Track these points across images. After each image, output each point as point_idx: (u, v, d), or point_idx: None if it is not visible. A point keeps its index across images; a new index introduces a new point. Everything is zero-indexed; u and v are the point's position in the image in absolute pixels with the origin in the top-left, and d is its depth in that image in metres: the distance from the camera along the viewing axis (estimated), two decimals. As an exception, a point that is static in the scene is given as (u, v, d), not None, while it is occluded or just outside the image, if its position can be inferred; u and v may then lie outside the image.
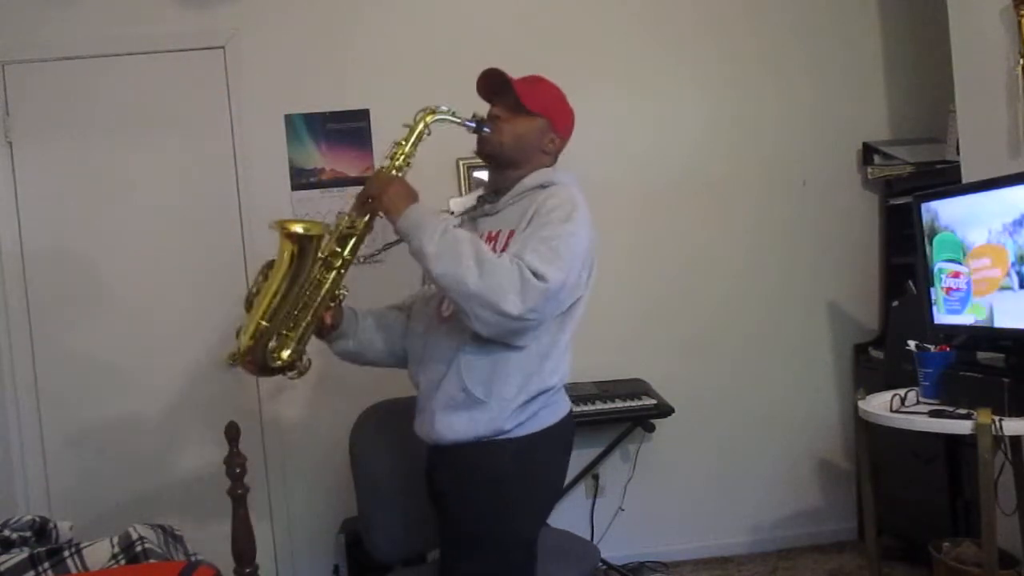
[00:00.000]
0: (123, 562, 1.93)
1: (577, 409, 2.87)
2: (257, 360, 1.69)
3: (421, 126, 1.76)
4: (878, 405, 2.30)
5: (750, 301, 3.38)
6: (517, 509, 1.69)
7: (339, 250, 1.70)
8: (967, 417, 2.01)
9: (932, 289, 2.45)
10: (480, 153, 1.84)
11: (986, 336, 2.28)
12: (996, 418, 1.94)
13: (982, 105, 2.63)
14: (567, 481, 3.21)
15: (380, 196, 1.65)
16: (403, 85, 3.22)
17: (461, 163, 3.21)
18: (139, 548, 1.95)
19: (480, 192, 1.95)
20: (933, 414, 2.11)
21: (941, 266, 2.39)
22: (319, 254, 1.68)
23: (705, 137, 3.37)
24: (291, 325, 1.70)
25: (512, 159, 1.81)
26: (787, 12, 3.39)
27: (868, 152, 3.37)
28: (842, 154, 3.43)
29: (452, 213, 1.89)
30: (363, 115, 3.18)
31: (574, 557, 2.28)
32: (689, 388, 3.27)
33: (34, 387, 3.07)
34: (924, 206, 2.45)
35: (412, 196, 1.66)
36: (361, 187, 1.73)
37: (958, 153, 2.80)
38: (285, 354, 1.71)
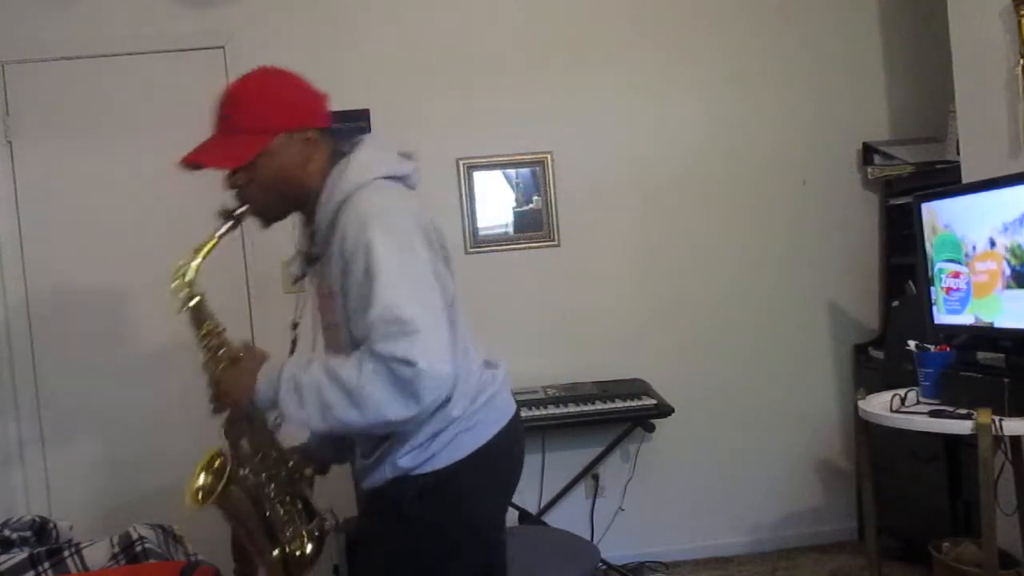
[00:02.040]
0: (123, 562, 1.93)
1: (577, 409, 2.91)
2: (296, 573, 1.59)
3: (198, 299, 1.60)
4: (878, 405, 2.30)
5: (750, 301, 3.38)
6: (442, 547, 1.48)
7: (254, 447, 1.56)
8: (967, 417, 2.01)
9: (932, 289, 2.45)
10: (266, 225, 1.58)
11: (986, 336, 2.28)
12: (996, 418, 1.94)
13: (982, 105, 2.63)
14: (568, 481, 3.24)
15: (224, 401, 1.49)
16: (403, 85, 3.22)
17: (461, 163, 3.21)
18: (139, 548, 1.96)
19: (300, 245, 1.64)
20: (933, 414, 2.10)
21: (941, 266, 2.39)
22: (244, 471, 1.55)
23: (705, 137, 3.37)
24: (288, 520, 1.59)
25: (287, 204, 1.54)
26: (787, 12, 3.39)
27: (868, 152, 3.37)
28: (842, 154, 3.43)
29: (293, 273, 1.65)
30: (363, 115, 3.18)
31: (574, 557, 2.28)
32: (689, 388, 3.27)
33: (34, 387, 3.07)
34: (924, 206, 2.45)
35: (247, 377, 1.44)
36: None
37: (958, 153, 2.80)
38: (309, 548, 1.60)
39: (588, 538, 3.18)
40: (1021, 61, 2.43)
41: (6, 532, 1.99)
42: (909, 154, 3.27)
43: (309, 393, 1.36)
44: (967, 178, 2.67)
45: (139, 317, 3.09)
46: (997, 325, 2.20)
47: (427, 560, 1.48)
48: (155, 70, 3.12)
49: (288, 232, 1.67)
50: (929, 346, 2.33)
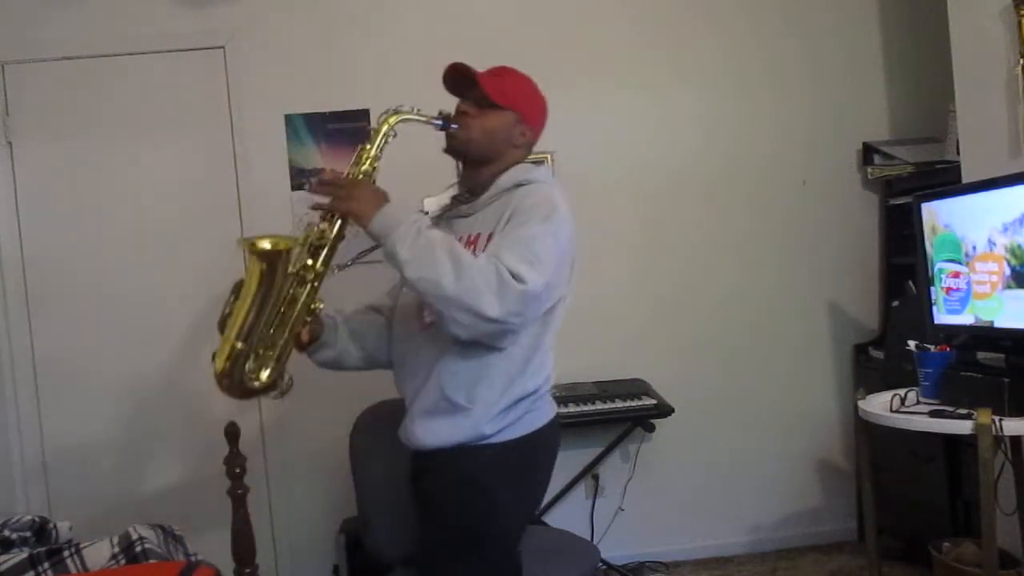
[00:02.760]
0: (123, 562, 1.93)
1: (577, 409, 2.90)
2: (235, 383, 1.62)
3: (385, 127, 1.69)
4: (878, 405, 2.30)
5: (750, 301, 3.38)
6: (497, 514, 1.66)
7: (311, 263, 1.62)
8: (967, 417, 2.01)
9: (932, 289, 2.45)
10: (450, 151, 1.79)
11: (986, 336, 2.28)
12: (996, 418, 1.94)
13: (982, 105, 2.63)
14: (568, 481, 3.24)
15: (348, 201, 1.58)
16: (403, 85, 3.20)
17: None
18: (139, 548, 1.96)
19: (454, 191, 1.89)
20: (933, 414, 2.11)
21: (941, 266, 2.40)
22: (290, 269, 1.61)
23: (705, 137, 3.37)
24: (268, 344, 1.62)
25: (482, 155, 1.76)
26: (787, 12, 3.39)
27: (868, 152, 3.37)
28: (842, 154, 3.42)
29: (426, 213, 1.83)
30: (363, 115, 3.18)
31: (574, 557, 2.27)
32: (689, 388, 3.27)
33: (34, 387, 3.07)
34: (924, 206, 2.45)
35: (381, 197, 1.59)
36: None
37: (958, 153, 2.80)
38: (264, 375, 1.63)
39: (588, 538, 3.18)
40: (1021, 61, 2.43)
41: (6, 532, 2.00)
42: (909, 154, 3.27)
43: (426, 241, 1.50)
44: (967, 178, 2.67)
45: (139, 317, 3.09)
46: (997, 325, 2.20)
47: (489, 522, 1.65)
48: (155, 70, 3.12)
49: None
50: (929, 346, 2.34)
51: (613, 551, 3.19)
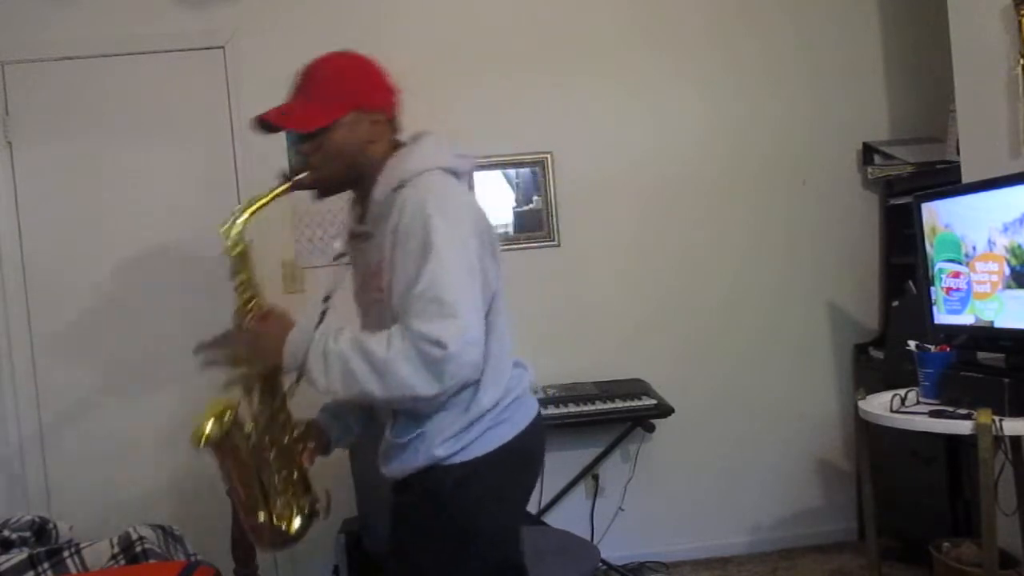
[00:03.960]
0: (123, 562, 1.93)
1: (577, 409, 2.91)
2: (278, 539, 1.58)
3: (241, 247, 1.59)
4: (878, 405, 2.30)
5: (750, 301, 3.38)
6: (471, 539, 1.52)
7: (262, 406, 1.55)
8: (967, 417, 2.01)
9: (932, 289, 2.45)
10: (320, 198, 1.62)
11: (986, 336, 2.28)
12: (996, 418, 1.94)
13: (982, 105, 2.63)
14: (568, 481, 3.24)
15: (252, 364, 1.50)
16: (403, 85, 3.21)
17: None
18: (139, 548, 1.96)
19: (349, 227, 1.70)
20: (933, 414, 2.11)
21: (941, 266, 2.40)
22: (247, 428, 1.55)
23: (705, 137, 3.37)
24: (284, 493, 1.58)
25: (347, 178, 1.58)
26: (787, 12, 3.39)
27: (868, 152, 3.37)
28: (842, 154, 3.42)
29: (342, 255, 1.69)
30: (363, 115, 3.18)
31: (574, 557, 2.28)
32: (689, 388, 3.27)
33: (34, 387, 3.07)
34: (924, 206, 2.45)
35: (279, 334, 1.46)
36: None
37: (958, 153, 2.80)
38: (297, 523, 1.59)
39: (588, 538, 3.18)
40: (1021, 61, 2.43)
41: (6, 532, 2.00)
42: (909, 154, 3.27)
43: (335, 361, 1.39)
44: (967, 178, 2.67)
45: (139, 317, 3.09)
46: (997, 325, 2.20)
47: (463, 547, 1.52)
48: (155, 70, 3.12)
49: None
50: (929, 346, 2.34)
51: (613, 551, 3.19)
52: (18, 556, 1.87)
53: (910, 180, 3.17)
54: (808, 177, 3.41)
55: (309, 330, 1.46)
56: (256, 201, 1.57)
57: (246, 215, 1.57)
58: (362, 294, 1.63)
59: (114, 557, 1.94)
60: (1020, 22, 2.42)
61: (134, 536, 1.99)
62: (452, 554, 1.52)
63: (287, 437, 1.61)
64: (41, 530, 2.06)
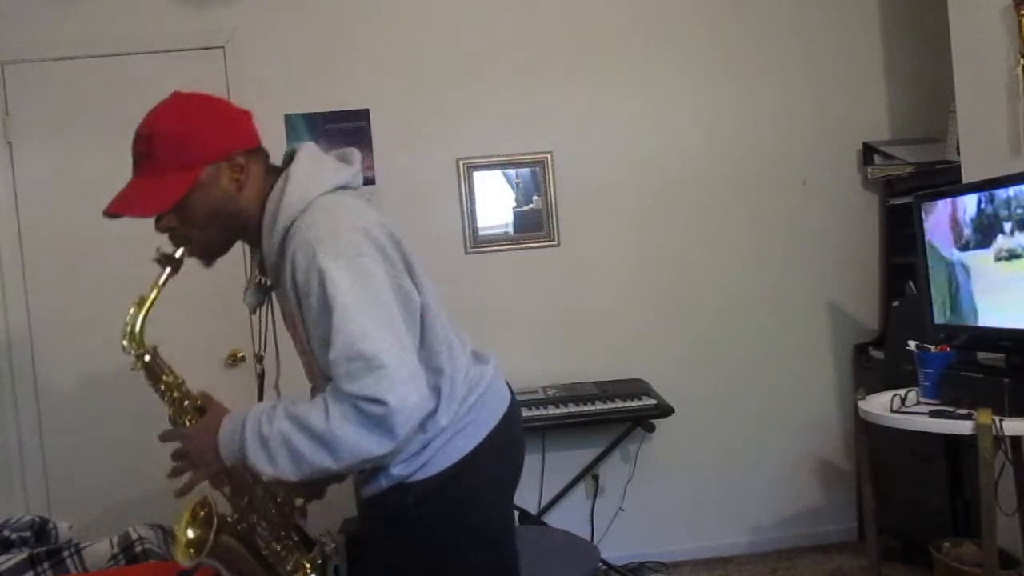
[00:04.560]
0: (123, 562, 1.93)
1: (577, 409, 2.91)
2: None
3: (149, 355, 1.60)
4: (878, 405, 2.30)
5: (750, 301, 3.38)
6: (439, 553, 1.46)
7: (238, 492, 1.54)
8: (967, 417, 2.01)
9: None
10: (208, 265, 1.54)
11: (986, 336, 2.28)
12: (996, 418, 1.94)
13: (982, 105, 2.63)
14: (568, 481, 3.24)
15: (198, 469, 1.46)
16: (403, 85, 3.22)
17: (461, 163, 3.21)
18: (139, 548, 1.95)
19: (256, 274, 1.61)
20: (933, 414, 2.11)
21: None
22: (232, 517, 1.54)
23: (705, 137, 3.37)
24: (289, 562, 1.58)
25: (231, 235, 1.47)
26: (787, 12, 3.39)
27: (868, 152, 3.37)
28: (842, 154, 3.42)
29: (252, 307, 1.64)
30: (363, 115, 3.18)
31: (574, 557, 2.28)
32: (689, 388, 3.27)
33: (34, 387, 3.07)
34: (924, 206, 2.45)
35: (206, 442, 1.42)
36: None
37: (958, 153, 2.80)
38: (308, 567, 1.60)
39: (588, 538, 3.18)
40: (1021, 61, 2.43)
41: (6, 532, 1.99)
42: (909, 154, 3.27)
43: (278, 445, 1.30)
44: (967, 178, 2.67)
45: (139, 317, 3.09)
46: (997, 325, 2.20)
47: (432, 564, 1.46)
48: (155, 70, 3.12)
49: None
50: (929, 346, 2.34)
51: (613, 551, 3.19)
52: (18, 556, 1.87)
53: (910, 180, 3.17)
54: (808, 177, 3.41)
55: (240, 418, 1.36)
56: (145, 300, 1.52)
57: (140, 319, 1.52)
58: (293, 342, 1.52)
59: (114, 557, 1.94)
60: (1020, 22, 2.42)
61: (134, 536, 1.99)
62: (428, 571, 1.47)
63: (272, 506, 1.58)
64: (41, 530, 2.06)
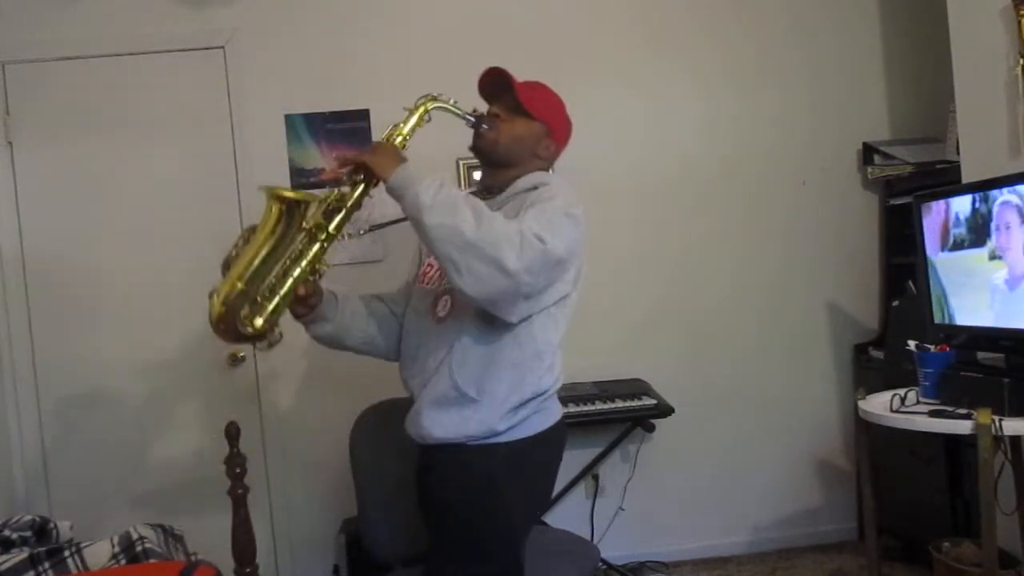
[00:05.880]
0: (123, 562, 1.93)
1: (577, 409, 2.90)
2: (229, 326, 1.63)
3: (421, 111, 1.76)
4: (878, 405, 2.30)
5: (750, 301, 3.38)
6: (507, 513, 1.67)
7: (324, 222, 1.66)
8: (967, 417, 2.01)
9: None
10: (474, 150, 1.83)
11: (986, 336, 2.28)
12: (996, 418, 1.94)
13: (982, 105, 2.63)
14: (568, 481, 3.23)
15: (371, 159, 1.62)
16: (403, 85, 3.20)
17: (461, 163, 3.21)
18: (139, 548, 1.96)
19: (472, 189, 1.91)
20: (933, 414, 2.11)
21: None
22: (304, 224, 1.65)
23: (704, 138, 3.37)
24: (268, 293, 1.65)
25: (506, 160, 1.80)
26: (786, 12, 3.39)
27: (868, 152, 3.37)
28: (842, 154, 3.43)
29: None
30: (363, 115, 3.18)
31: (574, 557, 2.27)
32: (689, 388, 3.27)
33: (34, 387, 3.07)
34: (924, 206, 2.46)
35: (402, 158, 1.63)
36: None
37: (958, 153, 2.80)
38: (258, 322, 1.64)
39: (588, 538, 3.18)
40: (1021, 61, 2.43)
41: (6, 532, 2.00)
42: (909, 154, 3.27)
43: (446, 193, 1.53)
44: (967, 178, 2.67)
45: (139, 317, 3.09)
46: (997, 325, 2.20)
47: (498, 522, 1.65)
48: (155, 70, 3.12)
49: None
50: (929, 346, 2.34)
51: (613, 551, 3.20)
52: (18, 556, 1.87)
53: (910, 180, 3.17)
54: (808, 177, 3.41)
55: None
56: (441, 100, 1.77)
57: (437, 104, 1.77)
58: (423, 283, 1.83)
59: (114, 557, 1.94)
60: (1020, 22, 2.42)
61: (134, 536, 1.99)
62: (483, 529, 1.64)
63: (310, 260, 1.67)
64: (41, 530, 2.06)
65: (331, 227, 1.67)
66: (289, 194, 1.62)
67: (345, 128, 3.18)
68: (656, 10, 3.35)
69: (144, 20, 3.12)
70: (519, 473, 1.66)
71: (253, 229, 1.67)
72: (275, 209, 1.62)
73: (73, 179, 3.10)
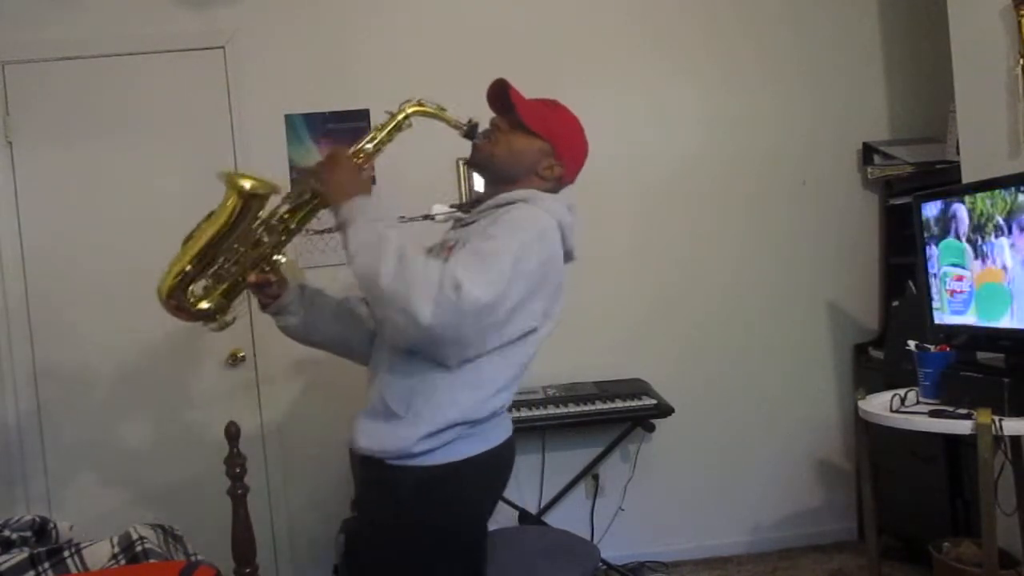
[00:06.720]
0: (123, 562, 1.93)
1: (577, 409, 2.91)
2: (179, 301, 1.67)
3: (401, 116, 1.71)
4: (878, 405, 2.30)
5: (750, 301, 3.38)
6: (415, 540, 1.54)
7: (287, 216, 1.66)
8: (967, 417, 2.01)
9: (935, 291, 2.45)
10: (471, 163, 1.77)
11: (986, 336, 2.28)
12: (996, 418, 1.94)
13: (982, 105, 2.63)
14: (568, 481, 3.23)
15: (325, 183, 1.57)
16: (403, 85, 3.19)
17: (461, 163, 3.21)
18: (139, 548, 1.95)
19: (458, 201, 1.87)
20: (933, 414, 2.11)
21: (946, 270, 2.40)
22: (263, 214, 1.65)
23: (704, 138, 3.37)
24: (219, 277, 1.66)
25: (503, 174, 1.69)
26: (786, 11, 3.39)
27: (868, 152, 3.37)
28: (842, 154, 3.43)
29: (432, 217, 1.83)
30: (363, 115, 3.18)
31: (574, 557, 2.27)
32: (689, 388, 3.27)
33: (34, 387, 3.07)
34: (924, 206, 2.46)
35: (358, 188, 1.53)
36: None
37: (958, 153, 2.80)
38: (204, 304, 1.67)
39: (588, 538, 3.18)
40: (1021, 61, 2.43)
41: (6, 532, 1.99)
42: (909, 154, 3.27)
43: (376, 238, 1.43)
44: (967, 178, 2.67)
45: (139, 316, 3.09)
46: (997, 325, 2.20)
47: (415, 553, 1.54)
48: (155, 70, 3.12)
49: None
50: (929, 346, 2.34)
51: (613, 551, 3.19)
52: (18, 556, 1.87)
53: (910, 180, 3.17)
54: (808, 177, 3.41)
55: (382, 201, 1.52)
56: (433, 108, 1.73)
57: (419, 109, 1.73)
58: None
59: (114, 557, 1.94)
60: (1020, 22, 2.42)
61: (134, 536, 1.99)
62: (400, 555, 1.54)
63: (265, 250, 1.67)
64: (41, 530, 2.06)
65: (292, 223, 1.67)
66: (246, 184, 1.61)
67: (345, 128, 3.18)
68: (656, 10, 3.35)
69: (144, 20, 3.12)
70: (430, 499, 1.53)
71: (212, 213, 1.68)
72: (233, 198, 1.62)
73: (73, 179, 3.10)
